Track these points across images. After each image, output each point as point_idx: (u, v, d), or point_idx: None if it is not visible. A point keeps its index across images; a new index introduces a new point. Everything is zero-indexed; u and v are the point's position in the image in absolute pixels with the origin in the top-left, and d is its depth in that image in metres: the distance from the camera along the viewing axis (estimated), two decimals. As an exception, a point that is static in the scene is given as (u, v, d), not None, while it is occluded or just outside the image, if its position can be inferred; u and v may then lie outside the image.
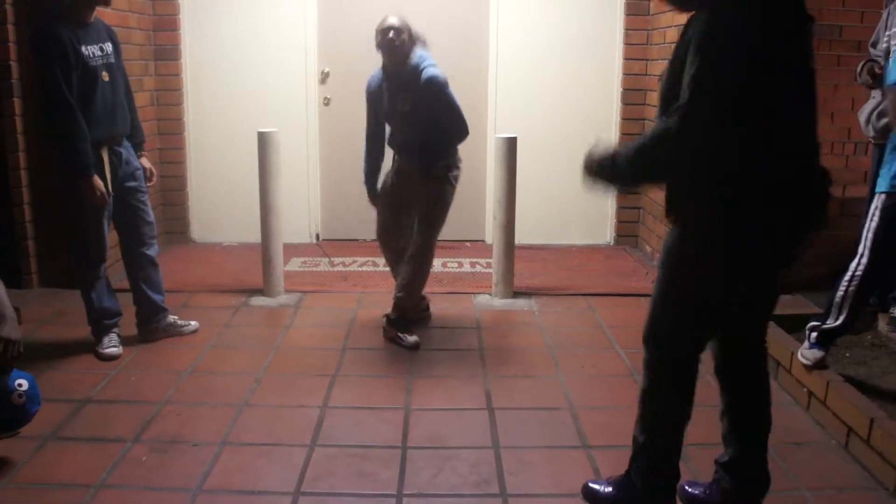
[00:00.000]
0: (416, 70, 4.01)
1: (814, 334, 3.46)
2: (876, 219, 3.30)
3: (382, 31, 4.00)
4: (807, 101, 2.30)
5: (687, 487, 2.76)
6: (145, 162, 4.11)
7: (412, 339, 4.19)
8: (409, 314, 4.32)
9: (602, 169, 2.42)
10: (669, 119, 2.16)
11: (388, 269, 5.35)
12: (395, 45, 3.99)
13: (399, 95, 4.07)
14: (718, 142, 2.15)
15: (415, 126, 4.11)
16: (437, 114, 4.05)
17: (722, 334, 2.57)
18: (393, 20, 4.01)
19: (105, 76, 3.78)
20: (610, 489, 2.72)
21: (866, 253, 3.34)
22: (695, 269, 2.36)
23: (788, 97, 2.23)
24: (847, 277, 3.39)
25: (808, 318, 3.62)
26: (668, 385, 2.54)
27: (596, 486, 2.76)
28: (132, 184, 4.00)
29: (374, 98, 4.25)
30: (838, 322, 3.41)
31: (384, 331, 4.31)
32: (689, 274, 2.38)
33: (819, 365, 3.40)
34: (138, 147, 4.10)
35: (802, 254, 2.45)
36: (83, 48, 3.67)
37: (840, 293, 3.40)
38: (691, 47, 2.13)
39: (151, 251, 4.15)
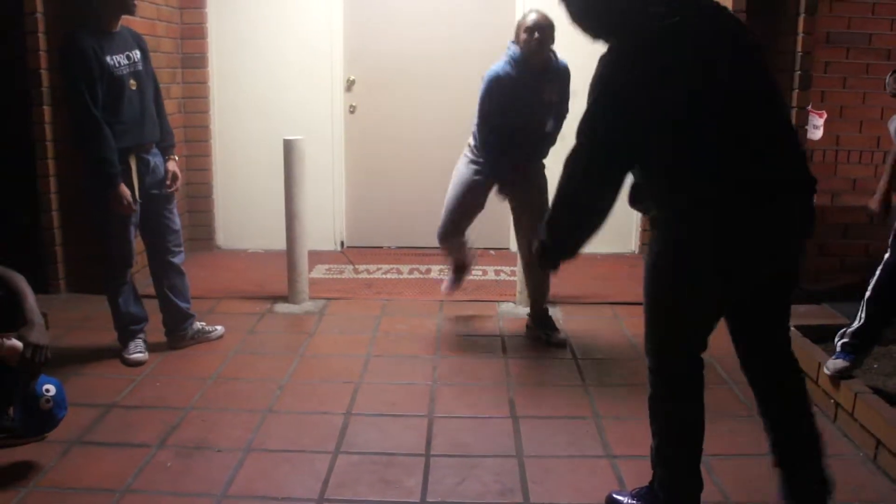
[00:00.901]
0: (559, 62, 4.17)
1: (840, 342, 3.46)
2: None
3: (530, 30, 3.99)
4: (762, 107, 2.32)
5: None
6: (171, 165, 4.08)
7: (561, 336, 4.39)
8: None
9: (544, 255, 2.54)
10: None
11: (412, 276, 5.36)
12: (547, 44, 4.03)
13: (545, 88, 4.11)
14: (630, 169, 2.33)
15: (551, 117, 4.22)
16: (565, 102, 4.25)
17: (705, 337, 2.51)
18: (539, 18, 4.00)
19: (132, 84, 3.81)
20: (634, 501, 2.70)
21: (890, 248, 3.41)
22: (663, 277, 2.41)
23: (727, 116, 2.24)
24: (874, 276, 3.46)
25: (836, 328, 3.60)
26: (666, 391, 2.53)
27: (620, 498, 2.74)
28: (158, 191, 4.03)
29: (508, 92, 4.09)
30: (861, 322, 3.42)
31: (529, 331, 4.51)
32: (659, 281, 2.43)
33: (843, 375, 3.37)
34: (167, 150, 4.10)
35: (796, 259, 2.44)
36: (108, 58, 3.70)
37: (867, 292, 3.46)
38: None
39: (177, 259, 4.17)
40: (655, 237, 2.46)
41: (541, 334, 4.38)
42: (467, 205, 4.31)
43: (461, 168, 4.32)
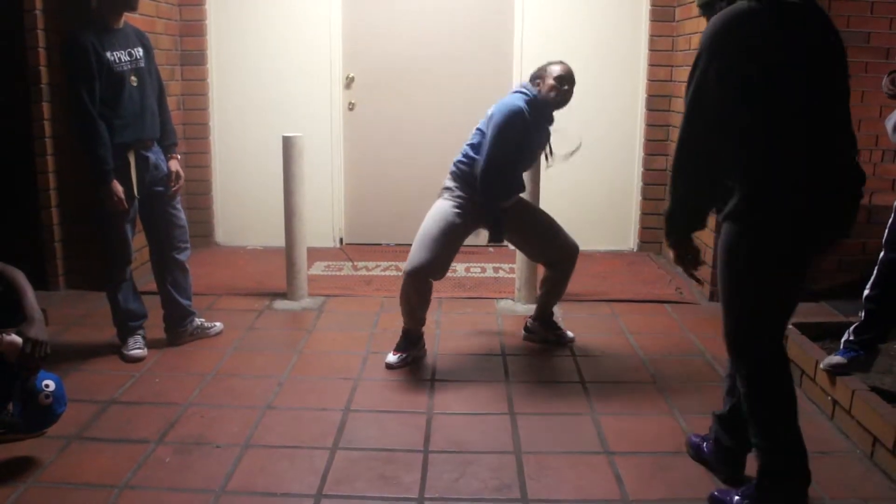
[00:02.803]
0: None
1: (844, 339, 3.47)
2: (893, 216, 3.41)
3: (562, 80, 3.88)
4: (833, 104, 2.47)
5: (693, 437, 3.02)
6: (173, 165, 4.10)
7: (571, 334, 4.37)
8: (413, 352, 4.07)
9: (667, 222, 2.60)
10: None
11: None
12: (569, 97, 3.97)
13: (543, 135, 4.04)
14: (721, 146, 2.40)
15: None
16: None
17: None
18: (570, 70, 3.92)
19: (133, 80, 3.82)
20: (738, 498, 2.70)
21: (884, 247, 3.42)
22: (755, 262, 2.49)
23: (802, 102, 2.39)
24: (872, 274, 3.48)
25: (834, 326, 3.61)
26: (763, 382, 2.59)
27: (723, 496, 2.76)
28: (161, 188, 4.04)
29: (523, 132, 3.89)
30: (861, 320, 3.44)
31: (533, 335, 4.38)
32: (750, 268, 2.51)
33: (837, 371, 3.38)
34: (168, 149, 4.11)
35: (830, 249, 2.67)
36: (108, 54, 3.71)
37: (865, 290, 3.48)
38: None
39: (182, 256, 4.18)
40: (732, 228, 2.52)
41: (550, 336, 4.34)
42: (451, 248, 3.97)
43: (445, 210, 3.96)
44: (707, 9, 2.58)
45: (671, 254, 2.66)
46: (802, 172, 2.39)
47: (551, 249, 4.20)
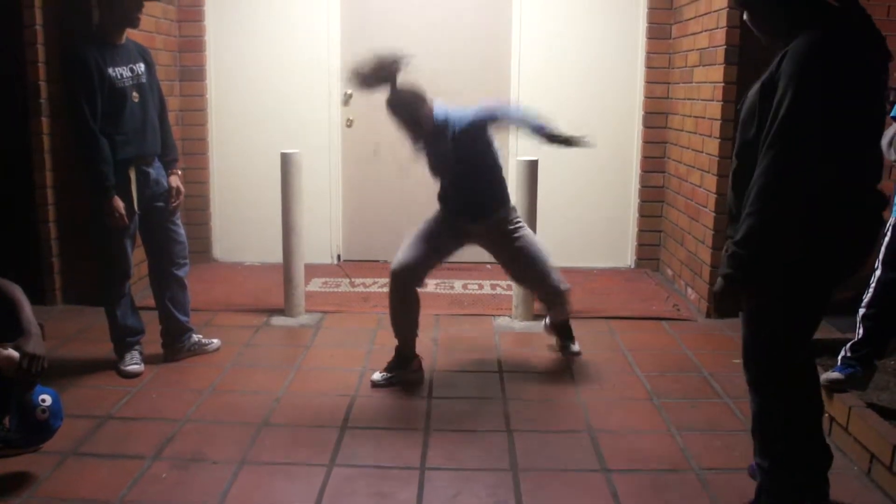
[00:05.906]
0: (440, 117, 4.24)
1: (840, 356, 3.47)
2: (888, 235, 3.41)
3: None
4: (876, 130, 2.48)
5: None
6: (173, 181, 4.10)
7: (576, 348, 4.40)
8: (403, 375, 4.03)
9: (735, 266, 2.40)
10: (765, 173, 2.26)
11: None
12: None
13: (439, 146, 4.12)
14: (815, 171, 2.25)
15: (470, 170, 4.18)
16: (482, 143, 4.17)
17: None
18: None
19: (135, 96, 3.84)
20: None
21: (880, 266, 3.43)
22: (781, 282, 2.44)
23: (868, 128, 2.38)
24: (866, 292, 3.49)
25: (830, 342, 3.62)
26: (776, 400, 2.57)
27: None
28: (161, 204, 4.05)
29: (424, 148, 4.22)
30: (858, 337, 3.45)
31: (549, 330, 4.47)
32: (775, 288, 2.46)
33: (834, 387, 3.39)
34: (169, 165, 4.12)
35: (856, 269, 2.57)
36: (110, 69, 3.73)
37: (861, 309, 3.49)
38: (781, 82, 2.24)
39: (181, 272, 4.18)
40: None
41: (556, 343, 4.44)
42: (431, 251, 4.02)
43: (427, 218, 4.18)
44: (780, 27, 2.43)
45: (724, 288, 2.46)
46: (839, 195, 2.35)
47: (530, 283, 4.26)
